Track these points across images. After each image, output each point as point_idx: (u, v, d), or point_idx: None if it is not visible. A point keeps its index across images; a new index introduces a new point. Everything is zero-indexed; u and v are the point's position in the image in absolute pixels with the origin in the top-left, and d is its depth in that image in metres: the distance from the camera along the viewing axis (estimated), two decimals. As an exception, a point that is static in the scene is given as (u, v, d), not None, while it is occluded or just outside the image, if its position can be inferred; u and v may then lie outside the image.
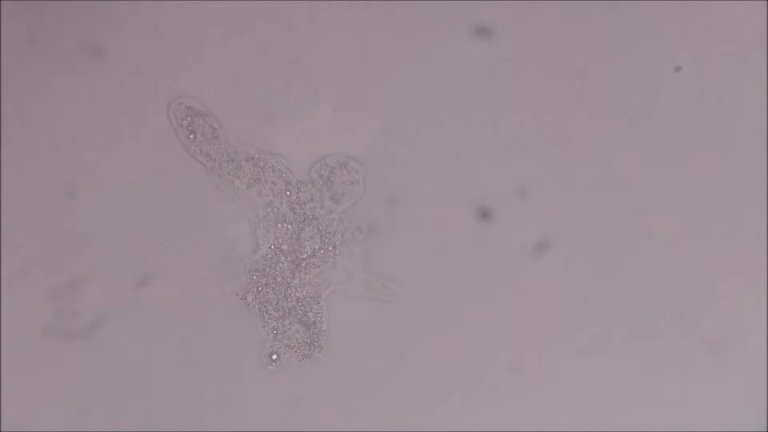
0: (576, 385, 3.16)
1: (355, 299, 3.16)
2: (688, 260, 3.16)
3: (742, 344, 3.15)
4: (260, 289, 3.12)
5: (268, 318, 3.12)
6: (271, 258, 3.13)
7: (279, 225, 3.14)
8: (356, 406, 3.18)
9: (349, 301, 3.17)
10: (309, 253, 3.10)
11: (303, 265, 3.12)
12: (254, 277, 3.13)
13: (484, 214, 3.16)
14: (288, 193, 3.14)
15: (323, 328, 3.13)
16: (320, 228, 3.15)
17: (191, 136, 3.08)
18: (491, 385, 3.17)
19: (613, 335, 3.17)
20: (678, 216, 3.17)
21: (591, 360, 3.16)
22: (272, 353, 3.13)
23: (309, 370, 3.18)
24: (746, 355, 3.14)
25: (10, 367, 3.12)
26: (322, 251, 3.13)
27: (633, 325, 3.16)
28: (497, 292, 3.18)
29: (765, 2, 3.14)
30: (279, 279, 3.13)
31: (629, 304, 3.17)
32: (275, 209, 3.15)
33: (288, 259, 3.12)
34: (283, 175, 3.15)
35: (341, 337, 3.18)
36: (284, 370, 3.17)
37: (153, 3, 3.15)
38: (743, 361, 3.14)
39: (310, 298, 3.13)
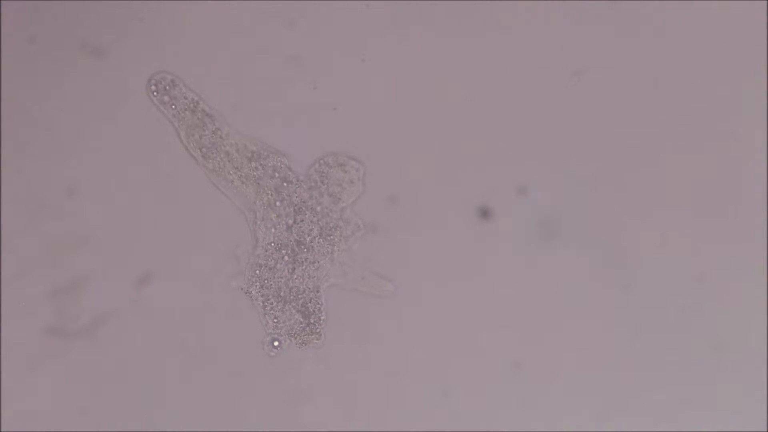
0: (576, 385, 3.16)
1: (350, 294, 3.17)
2: (689, 260, 3.16)
3: (742, 344, 3.14)
4: (264, 282, 3.14)
5: (270, 309, 3.15)
6: (273, 253, 3.15)
7: (276, 216, 3.15)
8: (356, 406, 3.18)
9: (346, 295, 3.18)
10: (308, 240, 3.12)
11: (302, 256, 3.14)
12: (257, 272, 3.14)
13: (485, 213, 3.16)
14: (285, 185, 3.14)
15: (321, 318, 3.15)
16: (321, 224, 3.16)
17: (173, 106, 3.10)
18: (491, 384, 3.17)
19: (613, 335, 3.17)
20: (678, 216, 3.17)
21: (591, 360, 3.16)
22: (274, 340, 3.15)
23: (309, 369, 3.18)
24: (746, 355, 3.14)
25: (10, 367, 3.12)
26: (321, 241, 3.14)
27: (633, 325, 3.17)
28: (498, 291, 3.18)
29: (765, 2, 3.14)
30: (280, 273, 3.15)
31: (629, 304, 3.17)
32: (275, 206, 3.15)
33: (288, 250, 3.14)
34: (283, 173, 3.15)
35: (340, 334, 3.19)
36: (285, 371, 3.17)
37: (153, 3, 3.16)
38: (743, 361, 3.14)
39: (310, 290, 3.15)
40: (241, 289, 3.15)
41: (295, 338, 3.16)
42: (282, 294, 3.16)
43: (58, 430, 3.13)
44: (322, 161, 3.14)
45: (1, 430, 3.11)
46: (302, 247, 3.15)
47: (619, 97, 3.17)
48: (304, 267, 3.16)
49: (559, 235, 3.17)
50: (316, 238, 3.14)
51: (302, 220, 3.13)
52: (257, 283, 3.14)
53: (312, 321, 3.16)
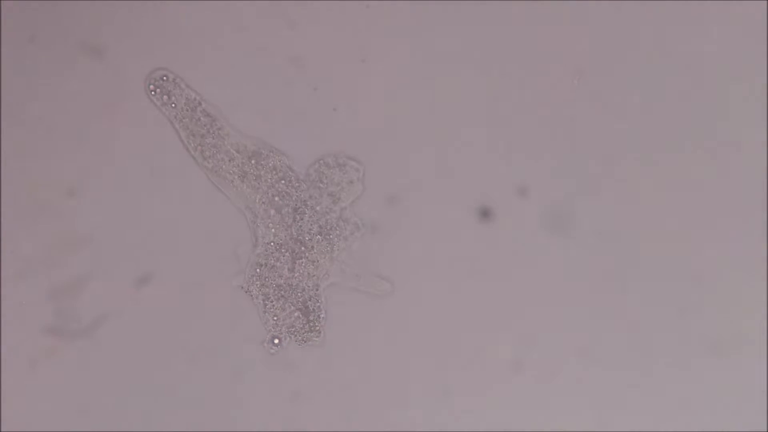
0: (576, 385, 3.16)
1: (350, 294, 3.17)
2: (688, 260, 3.16)
3: (742, 344, 3.15)
4: (264, 281, 3.14)
5: (271, 307, 3.15)
6: (273, 252, 3.15)
7: (274, 212, 3.16)
8: (356, 406, 3.18)
9: (345, 295, 3.18)
10: (307, 239, 3.12)
11: (303, 251, 3.15)
12: (257, 270, 3.15)
13: (485, 214, 3.17)
14: (283, 182, 3.15)
15: (321, 316, 3.16)
16: (320, 225, 3.16)
17: (171, 102, 3.10)
18: (492, 384, 3.17)
19: (613, 335, 3.17)
20: (678, 216, 3.17)
21: (591, 360, 3.16)
22: (274, 338, 3.16)
23: (309, 368, 3.18)
24: (746, 355, 3.14)
25: (10, 367, 3.12)
26: (320, 238, 3.15)
27: (633, 325, 3.17)
28: (498, 291, 3.18)
29: (765, 2, 3.14)
30: (280, 271, 3.16)
31: (629, 304, 3.17)
32: (274, 201, 3.15)
33: (288, 249, 3.14)
34: (284, 172, 3.15)
35: (339, 332, 3.19)
36: (284, 371, 3.17)
37: (153, 3, 3.16)
38: (743, 361, 3.14)
39: (309, 288, 3.16)
40: (242, 287, 3.15)
41: (295, 336, 3.17)
42: (282, 292, 3.16)
43: (58, 430, 3.13)
44: (321, 161, 3.14)
45: (1, 430, 3.10)
46: (301, 245, 3.16)
47: (619, 97, 3.17)
48: (303, 264, 3.16)
49: (559, 236, 3.17)
50: (315, 236, 3.14)
51: (301, 219, 3.14)
52: (257, 282, 3.15)
53: (312, 319, 3.16)
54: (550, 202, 3.17)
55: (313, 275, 3.17)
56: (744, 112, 3.15)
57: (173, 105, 3.11)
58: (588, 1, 3.16)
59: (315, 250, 3.17)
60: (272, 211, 3.13)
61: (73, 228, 3.15)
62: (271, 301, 3.16)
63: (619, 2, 3.16)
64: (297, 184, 3.15)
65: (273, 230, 3.16)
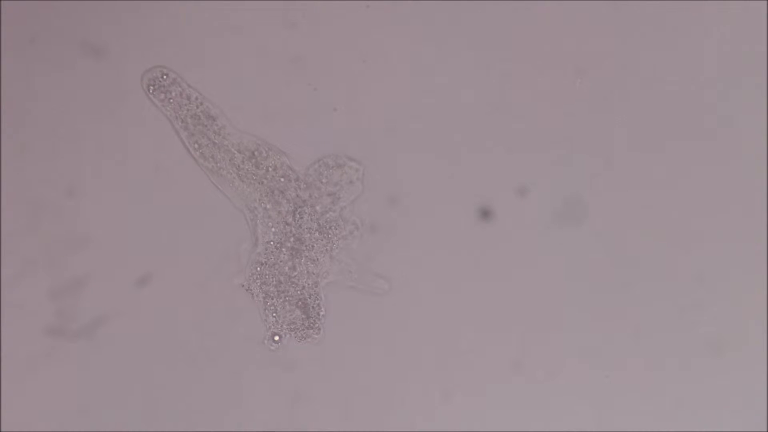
0: (576, 385, 3.16)
1: (349, 293, 3.17)
2: (689, 260, 3.16)
3: (742, 344, 3.15)
4: (264, 279, 3.15)
5: (271, 304, 3.15)
6: (273, 252, 3.15)
7: (272, 206, 3.16)
8: (355, 406, 3.18)
9: (344, 294, 3.18)
10: (307, 237, 3.13)
11: (302, 250, 3.15)
12: (258, 269, 3.15)
13: (485, 214, 3.16)
14: (283, 180, 3.15)
15: (321, 313, 3.16)
16: (320, 223, 3.16)
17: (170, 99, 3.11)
18: (492, 384, 3.17)
19: (613, 335, 3.17)
20: (678, 215, 3.17)
21: (591, 360, 3.16)
22: (275, 335, 3.16)
23: (310, 368, 3.18)
24: (746, 355, 3.14)
25: (10, 367, 3.11)
26: (318, 235, 3.15)
27: (633, 325, 3.17)
28: (498, 291, 3.18)
29: (765, 2, 3.14)
30: (280, 268, 3.16)
31: (629, 304, 3.17)
32: (273, 195, 3.15)
33: (288, 246, 3.15)
34: (284, 171, 3.15)
35: (339, 332, 3.19)
36: (285, 371, 3.17)
37: (153, 3, 3.16)
38: (743, 361, 3.14)
39: (309, 286, 3.16)
40: (242, 286, 3.15)
41: (295, 333, 3.17)
42: (282, 288, 3.16)
43: (58, 430, 3.13)
44: (321, 162, 3.14)
45: (1, 430, 3.10)
46: (301, 244, 3.16)
47: (619, 96, 3.17)
48: (303, 262, 3.16)
49: (559, 235, 3.17)
50: (315, 233, 3.14)
51: (301, 217, 3.14)
52: (258, 281, 3.15)
53: (311, 316, 3.16)
54: (550, 202, 3.17)
55: (313, 273, 3.17)
56: (744, 112, 3.15)
57: (171, 101, 3.11)
58: (588, 1, 3.16)
59: (315, 249, 3.17)
60: (269, 206, 3.13)
61: (73, 228, 3.15)
62: (272, 299, 3.16)
63: (619, 2, 3.16)
64: (297, 184, 3.15)
65: (273, 229, 3.16)
